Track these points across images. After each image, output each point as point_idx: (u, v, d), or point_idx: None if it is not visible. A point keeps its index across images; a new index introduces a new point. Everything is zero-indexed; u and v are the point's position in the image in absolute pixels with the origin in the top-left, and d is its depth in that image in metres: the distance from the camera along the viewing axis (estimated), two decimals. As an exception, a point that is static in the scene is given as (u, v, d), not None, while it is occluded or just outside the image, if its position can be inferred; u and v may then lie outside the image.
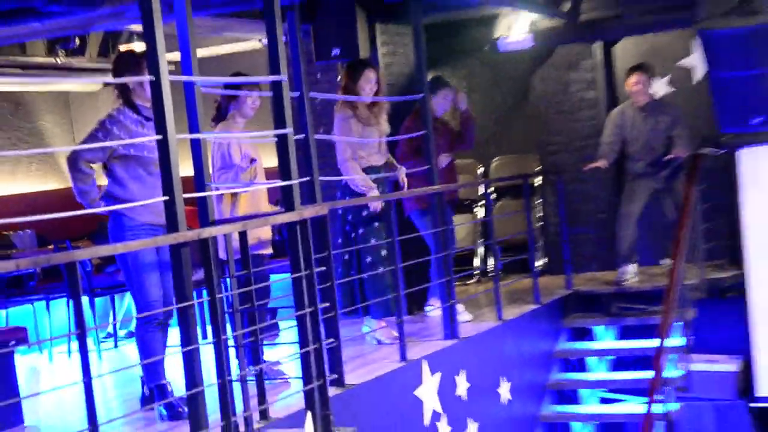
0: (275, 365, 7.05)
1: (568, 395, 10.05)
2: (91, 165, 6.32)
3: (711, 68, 10.09)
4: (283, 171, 5.85)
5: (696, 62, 11.17)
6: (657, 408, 8.88)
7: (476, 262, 11.27)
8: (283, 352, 7.33)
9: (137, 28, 8.60)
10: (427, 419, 7.73)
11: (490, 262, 10.27)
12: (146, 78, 5.16)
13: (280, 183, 5.86)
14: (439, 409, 7.86)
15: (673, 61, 11.46)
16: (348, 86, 8.28)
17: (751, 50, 9.52)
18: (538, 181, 11.52)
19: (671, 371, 9.36)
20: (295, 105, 6.17)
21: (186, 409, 5.82)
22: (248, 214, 6.96)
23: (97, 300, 10.04)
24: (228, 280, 5.84)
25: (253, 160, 7.22)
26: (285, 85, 5.82)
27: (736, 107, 9.73)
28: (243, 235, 5.74)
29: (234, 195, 7.09)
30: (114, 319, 9.88)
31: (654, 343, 9.27)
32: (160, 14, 4.96)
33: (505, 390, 8.94)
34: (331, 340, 6.31)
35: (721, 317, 10.85)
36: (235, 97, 7.14)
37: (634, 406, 9.46)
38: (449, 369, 8.06)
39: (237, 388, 5.59)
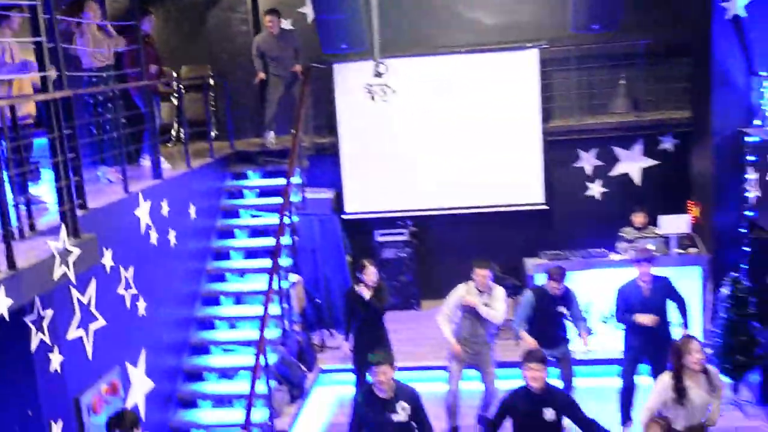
0: (39, 197, 6.62)
1: (233, 214, 10.03)
2: None
3: (317, 13, 10.13)
4: (40, 66, 5.41)
5: (309, 9, 11.16)
6: (286, 220, 9.07)
7: (173, 131, 10.90)
8: (45, 188, 6.86)
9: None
10: (143, 229, 7.54)
11: (182, 131, 9.93)
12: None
13: (39, 74, 5.41)
14: (150, 223, 7.68)
15: (296, 8, 11.40)
16: (75, 13, 7.79)
17: (336, 3, 9.62)
18: (212, 81, 11.18)
19: (294, 198, 9.55)
20: (47, 24, 5.65)
21: None
22: (18, 95, 6.45)
23: None
24: (3, 141, 5.41)
25: (25, 64, 6.65)
26: (39, 7, 5.33)
27: (332, 37, 9.84)
28: (13, 108, 5.29)
29: (8, 84, 6.54)
30: None
31: (284, 181, 9.41)
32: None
33: (192, 211, 8.83)
34: (77, 178, 5.97)
35: (323, 165, 11.17)
36: (7, 16, 6.54)
37: (272, 218, 9.59)
38: (156, 198, 7.85)
39: (13, 211, 5.25)
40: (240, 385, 8.43)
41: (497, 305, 7.98)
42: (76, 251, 5.34)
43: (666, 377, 6.43)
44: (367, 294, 8.28)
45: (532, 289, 8.33)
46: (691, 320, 8.04)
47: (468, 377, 8.31)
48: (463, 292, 8.04)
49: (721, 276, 8.83)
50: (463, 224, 11.43)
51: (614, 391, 8.16)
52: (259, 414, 8.00)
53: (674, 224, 9.48)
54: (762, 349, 8.37)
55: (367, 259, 8.54)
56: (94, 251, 5.73)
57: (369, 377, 6.31)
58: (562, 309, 8.06)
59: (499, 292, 8.07)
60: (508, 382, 7.49)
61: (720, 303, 8.57)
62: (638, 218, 9.82)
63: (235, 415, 8.13)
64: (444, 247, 11.60)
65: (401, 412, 6.11)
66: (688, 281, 9.32)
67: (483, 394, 8.25)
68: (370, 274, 8.28)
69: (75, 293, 6.17)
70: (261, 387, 8.00)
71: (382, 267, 11.31)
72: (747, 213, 8.93)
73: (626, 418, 8.07)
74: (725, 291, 8.47)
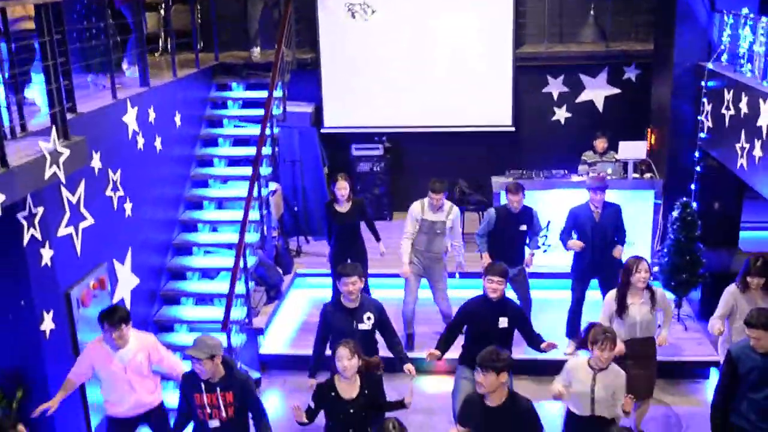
0: (31, 100, 6.45)
1: (216, 123, 9.88)
2: None
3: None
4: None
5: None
6: (267, 131, 8.94)
7: (160, 42, 10.58)
8: (36, 91, 6.66)
9: None
10: (130, 135, 7.41)
11: (169, 42, 9.63)
12: None
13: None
14: (137, 129, 7.54)
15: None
16: None
17: None
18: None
19: (275, 110, 9.39)
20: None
21: None
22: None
23: None
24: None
25: None
26: None
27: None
28: (3, 12, 5.07)
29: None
30: None
31: (266, 93, 9.23)
32: None
33: (178, 119, 8.67)
34: (66, 82, 5.80)
35: (304, 80, 10.97)
36: None
37: (254, 129, 9.45)
38: (143, 105, 7.69)
39: (5, 111, 5.12)
40: (220, 285, 8.46)
41: (455, 232, 8.08)
42: (66, 152, 5.24)
43: (612, 293, 6.55)
44: (342, 208, 8.27)
45: (495, 208, 8.32)
46: (630, 244, 8.07)
47: (425, 286, 8.37)
48: (418, 209, 8.04)
49: (672, 200, 8.92)
50: (434, 142, 11.37)
51: (566, 303, 8.28)
52: (238, 312, 8.07)
53: (632, 150, 9.50)
54: (705, 269, 8.54)
55: (339, 173, 8.47)
56: (83, 153, 5.64)
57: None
58: (523, 227, 8.04)
59: (453, 211, 8.07)
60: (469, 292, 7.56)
61: (670, 225, 8.68)
62: (599, 143, 9.84)
63: (215, 312, 8.19)
64: (416, 162, 11.56)
65: (366, 322, 6.18)
66: (642, 204, 9.42)
67: (439, 308, 8.33)
68: (341, 187, 8.22)
69: (65, 192, 6.09)
70: (240, 287, 8.04)
71: (358, 180, 11.33)
72: (699, 142, 8.98)
73: (573, 332, 8.17)
74: (675, 214, 8.57)
